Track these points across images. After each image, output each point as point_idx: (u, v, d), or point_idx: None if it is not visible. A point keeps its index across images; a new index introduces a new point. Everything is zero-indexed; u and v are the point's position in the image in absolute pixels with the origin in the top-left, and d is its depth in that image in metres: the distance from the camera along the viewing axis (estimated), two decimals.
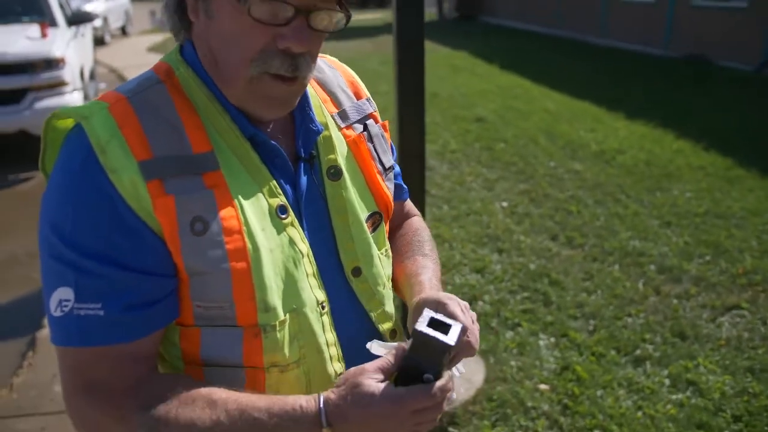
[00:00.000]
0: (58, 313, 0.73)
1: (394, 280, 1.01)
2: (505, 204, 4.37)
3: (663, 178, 4.81)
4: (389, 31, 2.37)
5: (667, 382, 2.51)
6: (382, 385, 0.73)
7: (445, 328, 0.74)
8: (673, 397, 2.42)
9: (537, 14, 16.39)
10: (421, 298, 0.89)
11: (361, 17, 21.97)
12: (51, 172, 0.78)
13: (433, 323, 0.74)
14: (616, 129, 6.22)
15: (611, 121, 6.55)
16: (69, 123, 0.78)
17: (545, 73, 9.39)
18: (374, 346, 0.81)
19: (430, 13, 22.74)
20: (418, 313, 0.81)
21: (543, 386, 2.49)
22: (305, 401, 0.74)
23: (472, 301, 3.12)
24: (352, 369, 0.76)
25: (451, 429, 2.27)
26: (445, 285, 3.26)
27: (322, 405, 0.73)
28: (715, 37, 9.91)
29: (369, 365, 0.75)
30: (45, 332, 3.04)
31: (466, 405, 2.37)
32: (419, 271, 0.98)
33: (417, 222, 1.13)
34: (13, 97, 5.31)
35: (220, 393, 0.75)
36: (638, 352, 2.70)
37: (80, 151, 0.74)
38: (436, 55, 11.77)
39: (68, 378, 0.77)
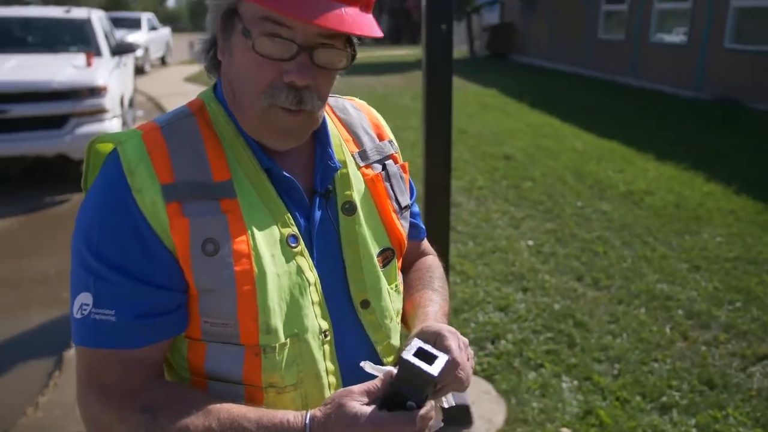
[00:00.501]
0: (78, 316, 0.80)
1: (403, 313, 1.04)
2: (530, 242, 4.36)
3: (692, 221, 4.76)
4: (421, 67, 2.42)
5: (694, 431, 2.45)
6: (366, 408, 0.76)
7: (431, 359, 0.76)
8: None
9: (568, 54, 16.51)
10: (421, 328, 0.91)
11: (394, 53, 22.40)
12: (87, 192, 0.86)
13: (420, 353, 0.76)
14: (645, 170, 6.18)
15: (640, 161, 6.52)
16: (109, 147, 0.85)
17: (575, 112, 9.42)
18: (367, 366, 0.83)
19: (461, 50, 23.08)
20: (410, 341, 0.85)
21: (565, 430, 2.45)
22: (293, 416, 0.78)
23: (494, 340, 3.11)
24: (340, 390, 0.80)
25: None
26: (468, 322, 3.26)
27: (308, 421, 0.77)
28: (747, 79, 9.85)
29: (356, 387, 0.78)
30: (72, 352, 3.11)
31: None
32: (426, 303, 1.02)
33: (431, 260, 1.16)
34: (56, 122, 5.52)
35: (215, 403, 0.80)
36: (664, 399, 2.64)
37: (113, 172, 0.82)
38: (465, 92, 11.92)
39: (81, 375, 0.83)
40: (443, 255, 2.44)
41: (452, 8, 2.23)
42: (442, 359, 0.76)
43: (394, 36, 31.38)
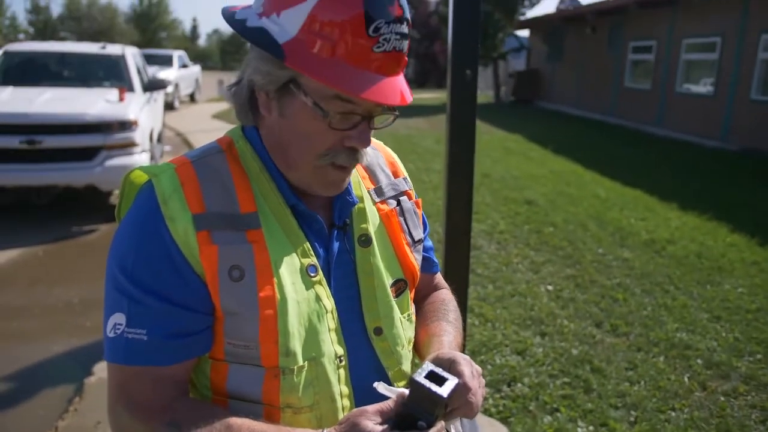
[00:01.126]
0: (111, 335, 0.87)
1: (417, 342, 1.11)
2: (550, 287, 4.40)
3: (714, 271, 4.75)
4: (445, 110, 2.49)
5: None
6: (379, 428, 0.80)
7: (442, 382, 0.80)
8: None
9: (593, 101, 16.66)
10: (437, 354, 0.96)
11: (420, 96, 22.81)
12: (123, 218, 0.94)
13: (431, 375, 0.81)
14: (667, 219, 6.19)
15: (663, 210, 6.53)
16: (143, 178, 0.93)
17: (598, 159, 9.48)
18: (380, 387, 0.88)
19: (487, 95, 23.42)
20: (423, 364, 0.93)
21: None
22: None
23: (511, 383, 3.13)
24: (355, 410, 0.84)
25: None
26: (485, 365, 3.30)
27: None
28: None
29: (370, 407, 0.83)
30: (93, 379, 3.19)
31: None
32: (441, 333, 1.08)
33: (445, 294, 1.23)
34: (86, 154, 5.70)
35: (236, 420, 0.85)
36: None
37: (148, 201, 0.89)
38: (490, 137, 12.08)
39: (112, 391, 0.90)
40: (462, 297, 2.52)
41: (477, 54, 2.28)
42: (452, 382, 0.81)
43: (420, 80, 31.99)
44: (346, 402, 0.95)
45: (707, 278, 4.60)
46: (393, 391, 0.86)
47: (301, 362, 0.90)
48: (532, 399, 2.99)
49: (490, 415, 2.85)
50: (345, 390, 0.95)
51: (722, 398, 3.03)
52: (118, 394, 0.89)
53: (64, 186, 5.82)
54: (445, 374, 0.82)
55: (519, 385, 3.11)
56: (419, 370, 0.82)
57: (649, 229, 5.82)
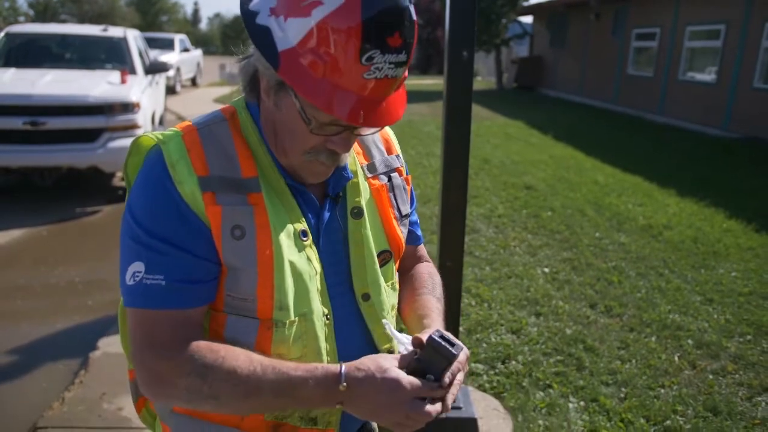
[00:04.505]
0: (131, 282, 0.93)
1: (407, 308, 1.19)
2: (546, 270, 4.47)
3: (709, 255, 4.81)
4: None
5: None
6: (405, 375, 0.92)
7: (452, 345, 0.93)
8: None
9: (596, 88, 16.63)
10: (441, 332, 1.05)
11: (422, 82, 22.76)
12: (135, 177, 1.00)
13: (444, 339, 0.94)
14: (666, 205, 6.24)
15: (662, 197, 6.58)
16: (151, 142, 1.00)
17: (599, 146, 9.51)
18: (388, 327, 1.03)
19: (489, 82, 23.35)
20: (431, 330, 1.02)
21: None
22: (329, 365, 0.93)
23: (505, 360, 3.21)
24: (379, 355, 0.95)
25: None
26: (480, 343, 3.37)
27: (344, 369, 0.92)
28: None
29: (391, 356, 0.95)
30: (98, 353, 3.26)
31: None
32: (433, 310, 1.16)
33: (431, 267, 1.31)
34: (89, 135, 5.74)
35: (257, 354, 0.94)
36: (668, 422, 2.71)
37: (157, 165, 0.95)
38: (491, 123, 12.10)
39: (134, 334, 0.95)
40: (456, 277, 2.58)
41: (474, 35, 2.31)
42: (459, 347, 0.94)
43: (422, 66, 31.84)
44: (330, 358, 1.02)
45: (702, 262, 4.66)
46: (396, 335, 1.01)
47: (292, 317, 0.98)
48: (526, 375, 3.06)
49: (484, 391, 2.93)
50: (329, 346, 1.02)
51: (711, 376, 3.10)
52: (142, 339, 0.95)
53: (67, 167, 5.86)
54: (453, 339, 0.94)
55: (513, 362, 3.19)
56: (434, 333, 0.94)
57: (647, 214, 5.87)
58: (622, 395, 2.93)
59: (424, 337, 0.97)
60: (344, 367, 0.92)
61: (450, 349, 0.92)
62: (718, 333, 3.54)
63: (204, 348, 0.94)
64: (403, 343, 1.04)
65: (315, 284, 1.01)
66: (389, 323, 1.08)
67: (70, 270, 4.38)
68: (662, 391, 2.97)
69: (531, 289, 4.10)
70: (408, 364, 0.95)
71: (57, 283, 4.16)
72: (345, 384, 0.91)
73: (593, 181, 7.18)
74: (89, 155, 5.74)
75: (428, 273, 1.28)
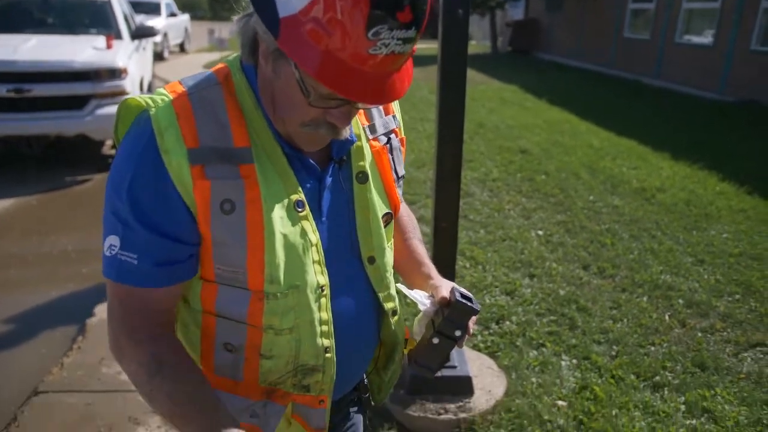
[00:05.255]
0: (107, 253, 0.93)
1: (396, 254, 1.22)
2: (540, 232, 4.50)
3: (702, 218, 4.85)
4: None
5: (682, 408, 2.59)
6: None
7: (471, 302, 1.07)
8: (687, 422, 2.50)
9: (592, 52, 16.46)
10: (452, 287, 1.12)
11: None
12: (121, 143, 0.95)
13: (463, 296, 1.07)
14: (659, 168, 6.26)
15: (656, 160, 6.59)
16: (140, 104, 0.94)
17: (594, 110, 9.47)
18: (403, 288, 1.13)
19: (484, 45, 23.05)
20: (447, 289, 1.10)
21: (561, 403, 2.61)
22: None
23: (499, 321, 3.26)
24: None
25: None
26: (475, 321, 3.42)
27: None
28: None
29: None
30: (94, 320, 3.30)
31: (485, 414, 2.51)
32: (425, 256, 1.25)
33: (406, 208, 1.32)
34: (76, 102, 5.63)
35: (207, 383, 0.95)
36: (657, 378, 2.78)
37: (144, 132, 0.90)
38: (486, 87, 12.00)
39: (109, 303, 0.97)
40: (452, 240, 2.61)
41: None
42: (476, 301, 1.08)
43: None
44: (325, 328, 1.01)
45: (694, 224, 4.70)
46: (412, 294, 1.12)
47: (284, 290, 0.96)
48: (519, 335, 3.12)
49: (479, 350, 2.98)
50: (324, 317, 1.01)
51: (699, 334, 3.17)
52: (113, 307, 0.96)
53: (55, 136, 5.77)
54: (470, 295, 1.09)
55: (507, 322, 3.24)
56: (457, 294, 1.07)
57: (641, 177, 5.90)
58: (614, 353, 2.99)
59: (446, 295, 1.08)
60: None
61: (473, 306, 1.06)
62: (708, 293, 3.60)
63: (170, 348, 0.96)
64: (420, 300, 1.12)
65: (310, 256, 0.98)
66: (404, 286, 1.13)
67: (63, 239, 4.37)
68: (652, 348, 3.04)
69: (525, 252, 4.14)
70: (438, 323, 1.07)
71: (50, 252, 4.16)
72: None
73: (588, 145, 7.18)
74: (77, 123, 5.64)
75: (407, 215, 1.30)
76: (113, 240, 0.92)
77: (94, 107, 5.69)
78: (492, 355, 2.95)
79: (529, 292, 3.58)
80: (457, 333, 1.06)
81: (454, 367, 2.59)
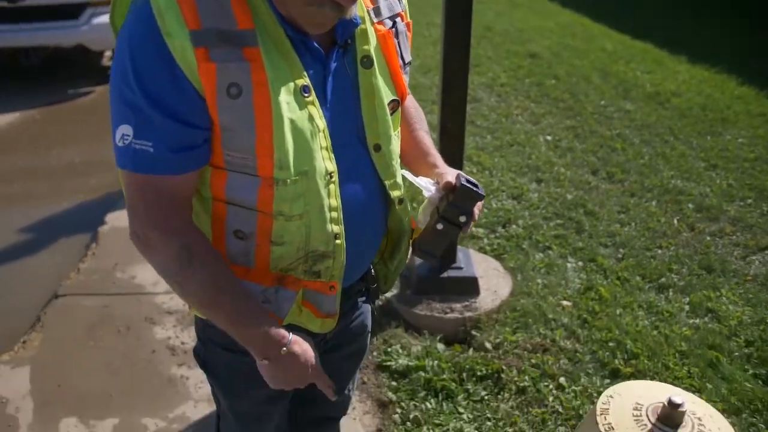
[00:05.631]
0: (120, 144, 0.91)
1: (403, 144, 1.17)
2: (549, 138, 4.40)
3: (717, 122, 4.71)
4: None
5: (687, 308, 2.61)
6: (317, 362, 1.07)
7: (477, 187, 1.06)
8: (691, 321, 2.52)
9: None
10: (457, 173, 1.12)
11: None
12: (120, 30, 0.93)
13: (469, 182, 1.05)
14: (675, 72, 6.03)
15: (672, 63, 6.34)
16: None
17: (608, 11, 9.02)
18: (408, 175, 1.12)
19: None
20: (452, 176, 1.09)
21: (565, 302, 2.63)
22: (282, 331, 1.01)
23: (506, 224, 3.25)
24: (308, 343, 1.06)
25: (474, 333, 2.44)
26: (481, 209, 3.39)
27: (291, 338, 1.01)
28: None
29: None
30: (106, 227, 3.32)
31: (490, 313, 2.53)
32: (431, 147, 1.24)
33: (412, 99, 1.28)
34: (72, 12, 5.42)
35: (232, 274, 1.00)
36: (663, 280, 2.79)
37: (144, 15, 0.87)
38: None
39: (129, 198, 0.96)
40: (458, 143, 2.53)
41: None
42: (481, 187, 1.07)
43: None
44: (334, 214, 1.01)
45: (709, 129, 4.58)
46: (415, 179, 1.11)
47: (293, 176, 0.95)
48: (526, 238, 3.11)
49: (485, 253, 2.98)
50: (333, 203, 1.00)
51: (708, 238, 3.15)
52: (134, 198, 0.94)
53: (53, 47, 5.62)
54: (475, 181, 1.08)
55: (513, 226, 3.23)
56: (462, 180, 1.06)
57: (655, 81, 5.69)
58: (620, 256, 2.99)
59: (452, 181, 1.08)
60: (292, 337, 1.00)
61: (479, 191, 1.05)
62: (719, 197, 3.55)
63: (197, 238, 0.96)
64: (425, 187, 1.11)
65: (318, 142, 0.96)
66: (409, 173, 1.12)
67: (68, 152, 4.32)
68: (659, 251, 3.03)
69: (533, 157, 4.07)
70: (442, 208, 1.07)
71: (57, 165, 4.13)
72: (285, 350, 0.99)
73: (600, 49, 6.89)
74: (74, 33, 5.45)
75: (414, 107, 1.27)
76: (125, 129, 0.89)
77: (89, 16, 5.48)
78: (498, 257, 2.95)
79: (536, 197, 3.54)
80: (462, 219, 1.05)
81: (460, 268, 2.59)
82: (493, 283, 2.71)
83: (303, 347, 1.02)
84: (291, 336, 1.00)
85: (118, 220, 3.35)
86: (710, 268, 2.87)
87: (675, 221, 3.31)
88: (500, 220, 3.27)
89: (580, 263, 2.92)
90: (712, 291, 2.70)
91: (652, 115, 4.85)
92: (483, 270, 2.77)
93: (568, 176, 3.79)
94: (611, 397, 1.00)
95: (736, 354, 2.32)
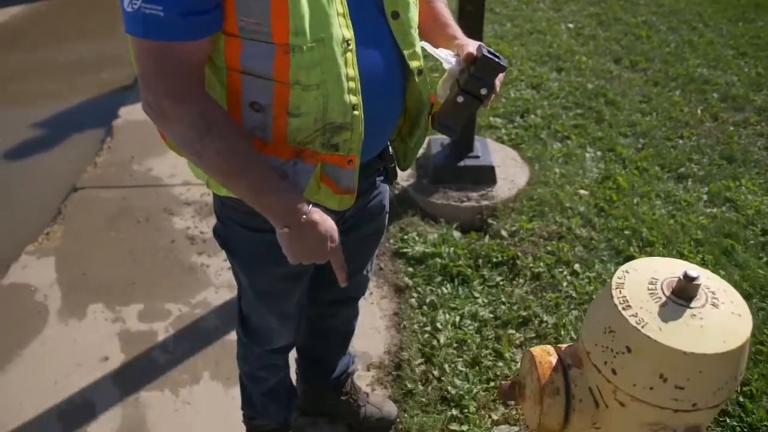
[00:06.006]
0: (129, 9, 0.86)
1: (421, 15, 1.13)
2: (571, 25, 4.20)
3: (751, 8, 4.46)
4: None
5: (705, 197, 2.59)
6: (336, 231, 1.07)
7: (499, 58, 1.01)
8: (708, 210, 2.51)
9: None
10: (479, 45, 1.07)
11: None
12: None
13: (490, 53, 1.01)
14: None
15: None
16: None
17: None
18: (427, 46, 1.06)
19: None
20: (473, 47, 1.04)
21: (582, 191, 2.62)
22: (303, 200, 1.00)
23: (524, 114, 3.17)
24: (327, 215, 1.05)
25: (490, 221, 2.45)
26: (499, 98, 3.30)
27: (310, 207, 1.00)
28: None
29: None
30: (120, 121, 3.30)
31: (506, 202, 2.53)
32: (450, 18, 1.19)
33: None
34: None
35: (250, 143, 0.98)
36: (682, 170, 2.75)
37: None
38: None
39: (138, 62, 0.92)
40: (478, 28, 2.41)
41: None
42: (503, 57, 1.03)
43: None
44: (352, 84, 0.97)
45: (741, 15, 4.34)
46: (435, 51, 1.06)
47: (310, 42, 0.91)
48: (544, 128, 3.05)
49: (502, 142, 2.94)
50: (351, 73, 0.97)
51: (731, 128, 3.07)
52: (145, 69, 0.91)
53: None
54: (499, 55, 1.03)
55: (532, 116, 3.15)
56: (484, 50, 1.01)
57: None
58: (640, 146, 2.93)
59: (473, 52, 1.04)
60: (311, 206, 1.00)
61: (500, 62, 1.00)
62: (746, 86, 3.42)
63: (212, 107, 0.93)
64: (444, 58, 1.06)
65: (334, 8, 0.92)
66: (428, 44, 1.08)
67: (78, 46, 4.21)
68: (680, 141, 2.97)
69: (554, 45, 3.90)
70: (463, 80, 1.03)
71: (67, 60, 4.04)
72: (305, 218, 0.98)
73: None
74: None
75: None
76: None
77: None
78: (516, 147, 2.91)
79: (556, 86, 3.43)
80: (483, 91, 1.02)
81: (477, 157, 2.56)
82: (510, 173, 2.69)
83: (323, 216, 1.02)
84: (311, 205, 1.01)
85: (131, 113, 3.31)
86: (731, 158, 2.82)
87: (698, 111, 3.21)
88: (518, 110, 3.20)
89: (599, 153, 2.87)
90: (731, 181, 2.66)
91: (681, 0, 4.59)
92: (500, 159, 2.74)
93: (589, 65, 3.65)
94: (627, 272, 0.99)
95: (752, 242, 2.33)
